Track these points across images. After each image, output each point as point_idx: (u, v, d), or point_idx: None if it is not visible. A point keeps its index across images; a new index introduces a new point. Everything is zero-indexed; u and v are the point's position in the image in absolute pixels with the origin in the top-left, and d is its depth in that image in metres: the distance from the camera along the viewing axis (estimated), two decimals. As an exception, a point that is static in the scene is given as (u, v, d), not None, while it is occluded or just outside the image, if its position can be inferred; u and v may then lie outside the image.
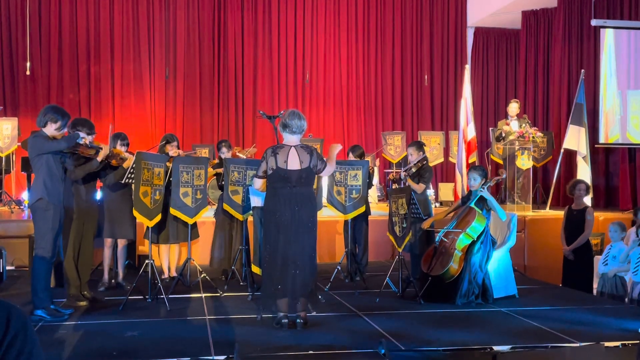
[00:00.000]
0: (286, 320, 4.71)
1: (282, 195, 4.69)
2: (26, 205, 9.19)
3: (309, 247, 4.76)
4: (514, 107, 9.71)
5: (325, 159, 4.91)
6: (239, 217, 6.32)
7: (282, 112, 6.49)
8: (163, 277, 6.52)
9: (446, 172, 12.71)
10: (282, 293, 4.69)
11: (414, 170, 6.67)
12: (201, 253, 7.50)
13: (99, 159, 5.26)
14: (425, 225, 6.17)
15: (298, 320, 4.72)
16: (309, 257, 4.74)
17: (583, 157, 9.44)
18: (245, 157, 9.15)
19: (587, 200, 7.38)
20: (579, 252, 6.83)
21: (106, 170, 5.68)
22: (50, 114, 4.97)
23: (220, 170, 6.70)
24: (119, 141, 6.07)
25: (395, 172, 8.17)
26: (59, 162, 5.01)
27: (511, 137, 9.29)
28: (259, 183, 4.91)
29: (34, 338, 1.28)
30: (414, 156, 6.63)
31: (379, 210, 9.09)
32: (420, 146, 6.71)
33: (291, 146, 4.74)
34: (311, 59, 12.81)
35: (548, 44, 12.07)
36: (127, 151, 5.97)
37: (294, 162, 4.69)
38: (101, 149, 5.28)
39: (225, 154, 7.00)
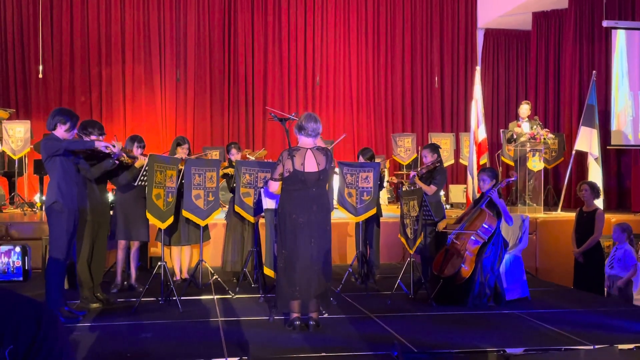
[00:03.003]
0: (298, 322, 4.71)
1: (299, 198, 4.69)
2: (39, 207, 9.26)
3: (325, 248, 4.76)
4: (525, 109, 9.67)
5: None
6: (251, 219, 6.34)
7: (293, 114, 6.51)
8: (175, 279, 6.55)
9: (457, 174, 12.68)
10: (298, 294, 4.70)
11: (424, 171, 6.66)
12: (212, 255, 7.52)
13: (115, 153, 5.30)
14: (441, 226, 6.16)
15: (310, 322, 4.72)
16: (324, 259, 4.74)
17: (595, 159, 9.39)
18: (254, 159, 9.18)
19: (599, 202, 7.33)
20: (590, 254, 6.80)
21: (118, 170, 5.71)
22: (59, 116, 5.03)
23: (228, 170, 6.72)
24: (136, 143, 6.11)
25: (398, 180, 8.22)
26: (72, 164, 5.05)
27: (522, 139, 9.26)
28: (275, 186, 4.91)
29: (65, 337, 1.31)
30: (428, 158, 6.62)
31: (389, 212, 9.09)
32: (434, 148, 6.69)
33: (307, 148, 4.74)
34: (321, 61, 12.83)
35: (559, 45, 12.03)
36: (142, 154, 6.00)
37: (310, 165, 4.69)
38: (114, 146, 5.32)
39: (235, 155, 7.03)
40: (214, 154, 10.15)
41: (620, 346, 4.34)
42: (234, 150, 7.09)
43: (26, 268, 6.51)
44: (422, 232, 5.92)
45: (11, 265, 6.44)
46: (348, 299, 5.91)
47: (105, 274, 6.14)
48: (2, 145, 9.67)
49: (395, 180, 8.10)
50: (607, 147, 10.09)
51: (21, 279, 6.44)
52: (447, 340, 4.48)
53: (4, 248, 6.51)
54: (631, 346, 4.36)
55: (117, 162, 5.44)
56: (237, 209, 6.32)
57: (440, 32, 13.35)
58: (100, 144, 5.13)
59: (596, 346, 4.33)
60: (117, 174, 5.81)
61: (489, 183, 5.86)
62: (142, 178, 5.63)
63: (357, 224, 6.59)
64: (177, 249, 6.65)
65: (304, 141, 4.77)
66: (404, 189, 6.77)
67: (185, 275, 6.68)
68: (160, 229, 5.88)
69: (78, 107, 11.42)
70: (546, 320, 5.08)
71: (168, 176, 5.68)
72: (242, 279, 6.44)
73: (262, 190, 5.74)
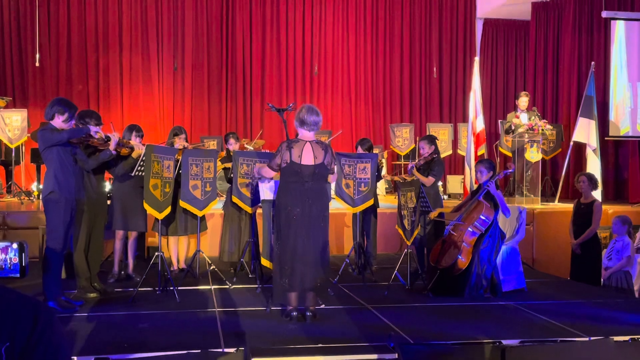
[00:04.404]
0: (295, 313, 4.73)
1: (295, 190, 4.70)
2: (36, 196, 9.25)
3: (320, 241, 4.76)
4: (524, 101, 9.66)
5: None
6: (248, 209, 6.34)
7: (291, 104, 6.49)
8: (172, 269, 6.56)
9: (455, 164, 12.68)
10: (292, 286, 4.71)
11: (422, 163, 6.66)
12: (210, 245, 7.53)
13: (112, 147, 5.29)
14: (433, 215, 6.16)
15: (307, 313, 4.74)
16: (320, 252, 4.74)
17: (593, 150, 9.39)
18: (252, 149, 9.17)
19: (597, 193, 7.34)
20: (587, 246, 6.81)
21: (116, 160, 5.70)
22: (57, 106, 5.02)
23: (228, 164, 6.72)
24: (134, 132, 6.09)
25: (394, 173, 8.21)
26: (69, 154, 5.04)
27: (520, 130, 9.26)
28: (267, 172, 4.91)
29: (61, 334, 1.31)
30: (425, 150, 6.62)
31: (386, 202, 9.09)
32: (432, 140, 6.69)
33: (306, 141, 4.74)
34: (319, 51, 12.79)
35: (558, 36, 11.99)
36: (140, 143, 5.99)
37: (308, 157, 4.69)
38: (110, 139, 5.32)
39: (233, 145, 7.02)
40: (212, 144, 10.14)
41: (616, 338, 4.35)
42: (232, 140, 7.08)
43: (23, 264, 6.52)
44: (419, 224, 5.93)
45: (8, 261, 6.44)
46: (345, 290, 5.92)
47: (103, 264, 6.15)
48: (-1, 134, 9.63)
49: (388, 177, 8.10)
50: (605, 139, 10.10)
51: (18, 275, 6.45)
52: (444, 331, 4.50)
53: (1, 245, 6.51)
54: (626, 338, 4.38)
55: (114, 152, 5.43)
56: (235, 199, 6.32)
57: (439, 21, 13.30)
58: (92, 129, 5.15)
59: (592, 338, 4.35)
60: (114, 165, 5.79)
61: (486, 174, 5.85)
62: (139, 168, 5.62)
63: (354, 214, 6.61)
64: (174, 239, 6.65)
65: (304, 134, 4.77)
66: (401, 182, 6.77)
67: (182, 265, 6.69)
68: (157, 219, 5.87)
69: (75, 95, 11.39)
70: (542, 312, 5.10)
71: (165, 166, 5.67)
72: (240, 269, 6.45)
73: (259, 181, 5.74)
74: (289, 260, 4.69)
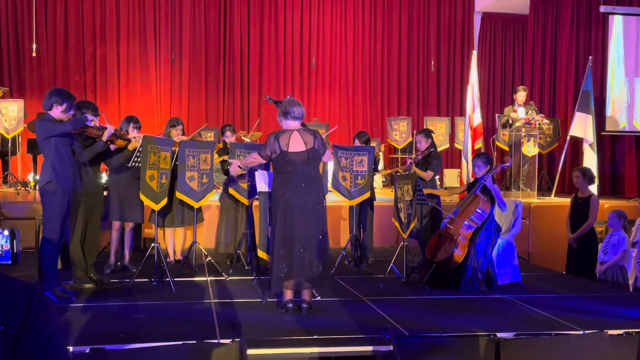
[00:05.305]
0: (291, 305, 4.73)
1: (288, 178, 4.71)
2: (32, 186, 9.23)
3: (317, 229, 4.76)
4: (521, 95, 9.65)
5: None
6: (245, 201, 6.34)
7: (288, 97, 6.48)
8: (168, 260, 6.56)
9: (452, 158, 12.70)
10: (290, 273, 4.70)
11: (420, 157, 6.66)
12: (206, 236, 7.52)
13: (104, 138, 5.28)
14: (431, 191, 6.17)
15: (303, 305, 4.75)
16: (317, 239, 4.75)
17: (589, 145, 9.40)
18: (249, 141, 9.16)
19: (593, 188, 7.36)
20: (583, 240, 6.83)
21: (112, 152, 5.68)
22: (56, 96, 4.99)
23: (226, 157, 6.71)
24: (132, 124, 6.06)
25: (391, 167, 8.22)
26: (67, 145, 5.02)
27: (517, 124, 9.26)
28: (255, 156, 4.93)
29: (55, 319, 1.31)
30: (422, 144, 6.62)
31: (383, 195, 9.10)
32: (428, 133, 6.70)
33: (293, 130, 4.76)
34: (317, 43, 12.77)
35: (556, 30, 11.99)
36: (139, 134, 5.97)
37: (297, 145, 4.71)
38: (106, 129, 5.30)
39: (230, 137, 7.01)
40: (209, 136, 10.12)
41: (610, 331, 4.38)
42: (228, 133, 7.07)
43: (14, 251, 6.52)
44: (415, 216, 5.94)
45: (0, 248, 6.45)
46: (341, 282, 5.93)
47: (99, 255, 6.14)
48: (-5, 124, 9.61)
49: (385, 172, 8.12)
50: (602, 133, 10.11)
51: (10, 262, 6.45)
52: (439, 324, 4.51)
53: (-8, 232, 6.50)
54: (621, 331, 4.40)
55: (111, 143, 5.42)
56: (232, 191, 6.32)
57: (438, 15, 13.28)
58: (89, 117, 5.16)
59: (586, 331, 4.37)
60: (110, 156, 5.78)
61: (483, 169, 5.86)
62: (135, 159, 5.60)
63: (351, 207, 6.60)
64: (170, 231, 6.65)
65: (290, 124, 4.79)
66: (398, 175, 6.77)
67: (178, 256, 6.69)
68: (154, 211, 5.87)
69: (72, 86, 11.36)
70: (537, 305, 5.12)
71: (162, 157, 5.65)
72: (236, 261, 6.45)
73: (256, 172, 5.74)
74: (287, 248, 4.69)
